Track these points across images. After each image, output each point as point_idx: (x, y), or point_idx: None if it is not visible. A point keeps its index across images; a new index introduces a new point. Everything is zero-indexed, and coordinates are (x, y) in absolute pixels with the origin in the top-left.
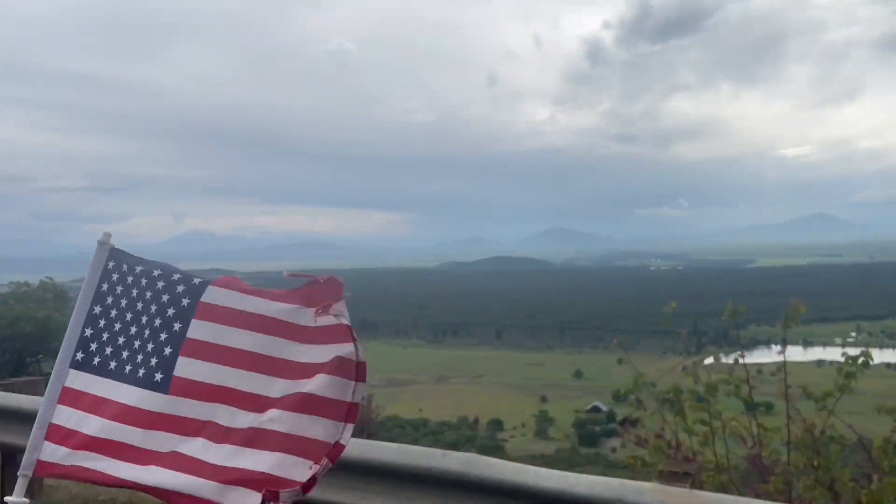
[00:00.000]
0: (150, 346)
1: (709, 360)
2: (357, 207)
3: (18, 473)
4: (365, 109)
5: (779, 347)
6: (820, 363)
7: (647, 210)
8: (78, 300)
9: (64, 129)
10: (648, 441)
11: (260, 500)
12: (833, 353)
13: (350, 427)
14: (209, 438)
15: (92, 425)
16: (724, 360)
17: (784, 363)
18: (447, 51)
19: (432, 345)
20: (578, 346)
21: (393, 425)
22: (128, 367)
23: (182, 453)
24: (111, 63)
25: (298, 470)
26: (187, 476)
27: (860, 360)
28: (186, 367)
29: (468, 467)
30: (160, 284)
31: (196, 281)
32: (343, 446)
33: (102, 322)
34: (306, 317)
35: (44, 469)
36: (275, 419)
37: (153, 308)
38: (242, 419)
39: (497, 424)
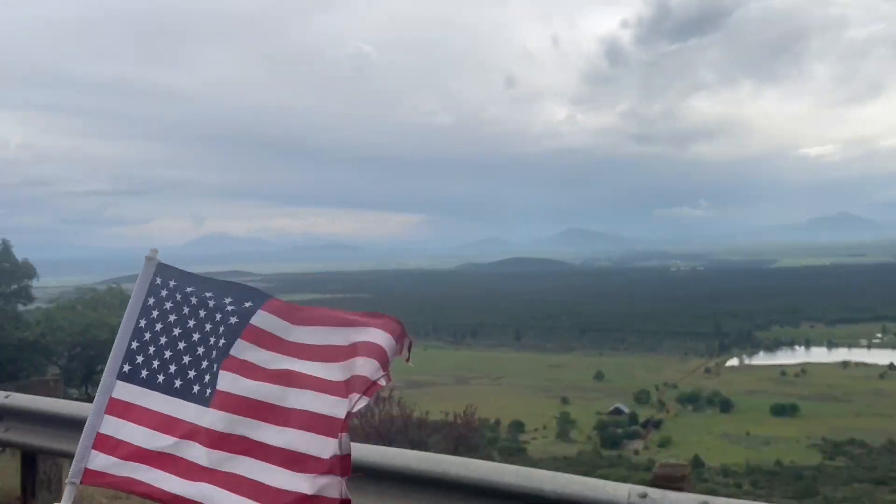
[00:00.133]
0: (202, 363)
1: (731, 362)
2: (376, 209)
3: (66, 481)
4: (384, 112)
5: (802, 348)
6: (845, 364)
7: (667, 210)
8: (125, 313)
9: (87, 134)
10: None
11: None
12: (859, 355)
13: (364, 399)
14: (255, 457)
15: (140, 437)
16: (747, 361)
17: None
18: (465, 52)
19: (452, 346)
20: (599, 348)
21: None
22: (177, 382)
23: (231, 472)
24: (134, 67)
25: (335, 488)
26: (234, 495)
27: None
28: (230, 384)
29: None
30: (211, 304)
31: (247, 304)
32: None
33: (148, 335)
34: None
35: (91, 478)
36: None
37: (206, 326)
38: (284, 438)
39: (518, 426)
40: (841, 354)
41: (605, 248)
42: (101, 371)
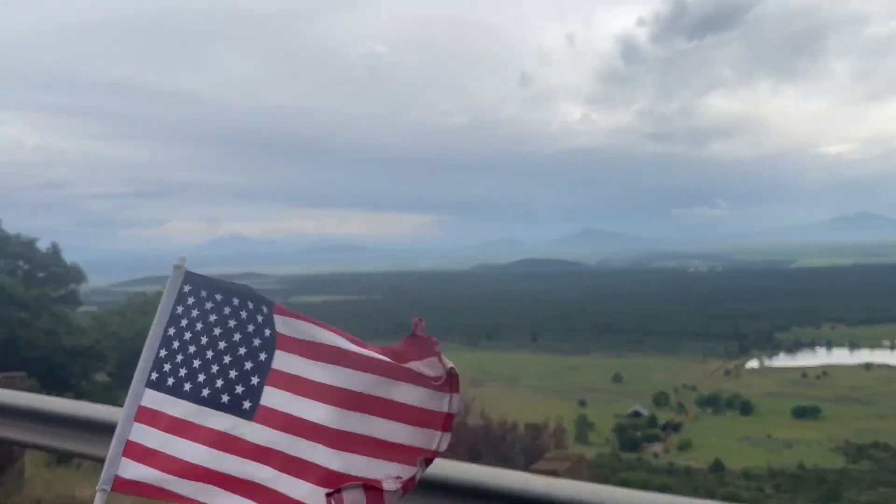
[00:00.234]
0: (232, 373)
1: (751, 364)
2: (391, 210)
3: (97, 488)
4: (398, 112)
5: (823, 350)
6: (868, 366)
7: (684, 210)
8: (154, 321)
9: (103, 136)
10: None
11: None
12: (882, 356)
13: (447, 436)
14: (293, 474)
15: (172, 446)
16: (767, 363)
17: None
18: (480, 52)
19: (467, 348)
20: (617, 350)
21: None
22: (205, 391)
23: (265, 486)
24: (148, 69)
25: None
26: None
27: None
28: (274, 398)
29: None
30: (243, 314)
31: (265, 309)
32: (436, 453)
33: (176, 344)
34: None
35: (122, 485)
36: (357, 465)
37: (235, 336)
38: (328, 457)
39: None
40: (863, 356)
41: (621, 248)
42: None
